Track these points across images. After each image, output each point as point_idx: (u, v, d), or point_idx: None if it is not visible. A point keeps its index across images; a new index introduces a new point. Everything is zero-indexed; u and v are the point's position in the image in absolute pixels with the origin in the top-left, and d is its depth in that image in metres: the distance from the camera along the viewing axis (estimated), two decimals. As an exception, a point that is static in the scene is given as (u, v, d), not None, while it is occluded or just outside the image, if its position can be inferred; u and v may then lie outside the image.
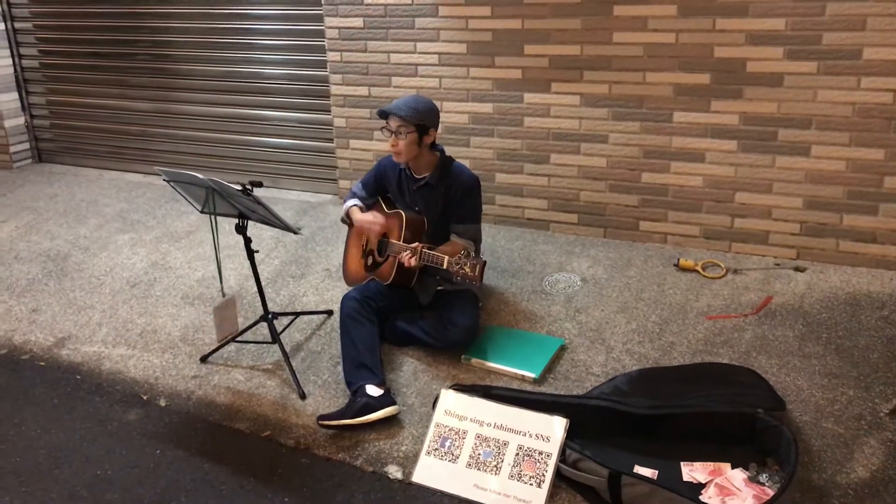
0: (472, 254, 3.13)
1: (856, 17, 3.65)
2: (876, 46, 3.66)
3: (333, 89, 5.02)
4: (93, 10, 5.94)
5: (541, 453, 2.73)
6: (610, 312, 3.70)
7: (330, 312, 3.85)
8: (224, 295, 3.88)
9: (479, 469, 2.77)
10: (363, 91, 4.91)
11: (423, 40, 4.61)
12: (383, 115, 3.42)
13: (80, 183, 6.02)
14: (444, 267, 3.16)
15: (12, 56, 6.35)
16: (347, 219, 3.72)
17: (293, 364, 3.41)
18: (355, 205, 3.69)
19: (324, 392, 3.31)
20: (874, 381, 3.09)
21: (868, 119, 3.77)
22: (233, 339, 3.57)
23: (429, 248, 3.27)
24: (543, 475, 2.68)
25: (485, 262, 3.09)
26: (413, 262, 3.27)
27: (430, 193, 3.52)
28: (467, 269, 3.07)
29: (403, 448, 2.95)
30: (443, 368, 3.37)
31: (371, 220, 3.54)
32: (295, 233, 3.34)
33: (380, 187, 3.71)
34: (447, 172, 3.52)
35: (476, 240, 3.55)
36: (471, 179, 3.54)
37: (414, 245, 3.29)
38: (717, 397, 2.91)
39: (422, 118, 3.37)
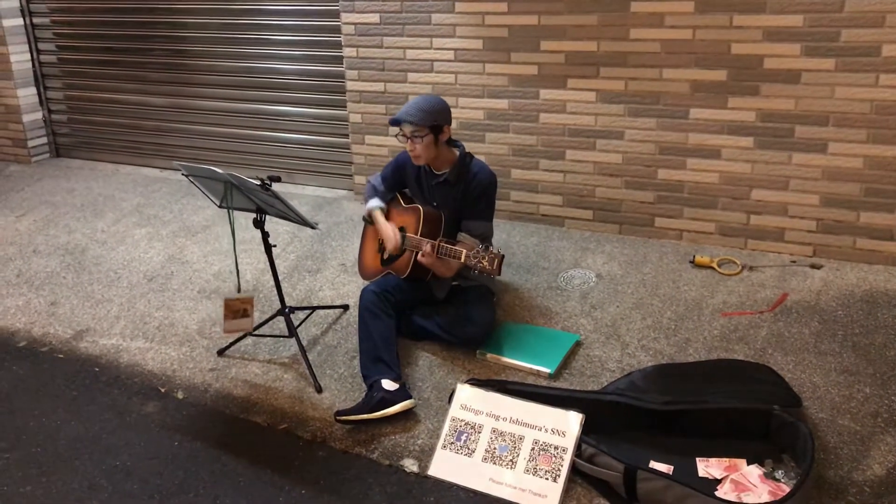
0: (490, 247, 3.14)
1: (875, 14, 3.64)
2: (895, 43, 3.64)
3: (349, 85, 5.04)
4: (110, 6, 5.98)
5: (556, 448, 2.74)
6: (625, 308, 3.70)
7: (346, 307, 3.87)
8: (239, 290, 3.91)
9: (494, 463, 2.78)
10: (379, 87, 4.93)
11: (439, 36, 4.62)
12: (395, 123, 3.42)
13: (97, 177, 6.06)
14: (462, 261, 3.17)
15: (30, 51, 6.40)
16: (369, 218, 3.73)
17: (309, 358, 3.43)
18: (379, 206, 3.69)
19: (340, 386, 3.33)
20: (891, 378, 3.08)
21: (886, 116, 3.75)
22: (243, 336, 3.60)
23: (447, 242, 3.28)
24: (559, 470, 2.69)
25: (503, 255, 3.10)
26: (428, 257, 3.28)
27: (449, 190, 3.52)
28: (485, 263, 3.09)
29: (419, 442, 2.97)
30: (458, 363, 3.39)
31: (391, 235, 3.51)
32: (312, 227, 3.35)
33: (398, 181, 3.72)
34: (466, 169, 3.52)
35: (486, 238, 3.53)
36: (489, 177, 3.54)
37: (434, 242, 3.30)
38: (733, 393, 2.91)
39: (434, 119, 3.36)
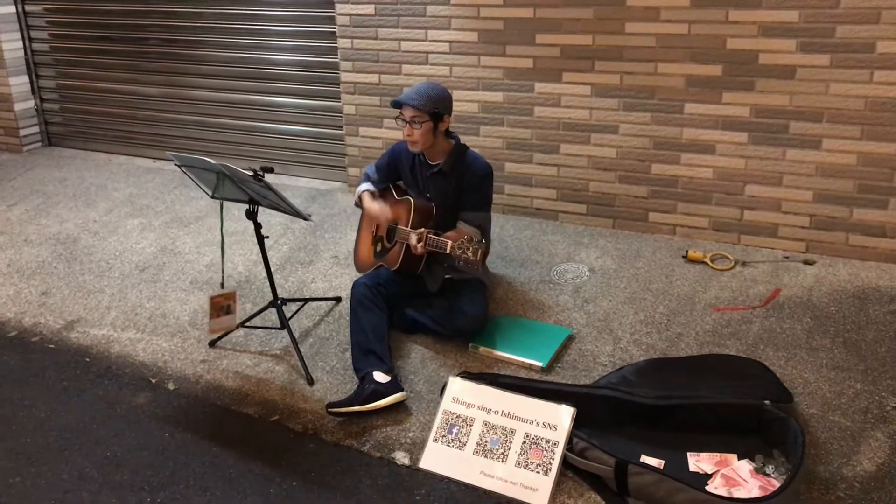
0: (477, 239, 3.13)
1: (870, 10, 3.64)
2: (890, 40, 3.64)
3: (343, 76, 5.01)
4: (104, -6, 5.95)
5: (548, 441, 2.74)
6: (618, 303, 3.70)
7: (338, 299, 3.86)
8: (223, 286, 3.88)
9: (486, 456, 2.78)
10: (373, 78, 4.91)
11: (434, 28, 4.60)
12: (397, 105, 3.41)
13: (89, 167, 6.03)
14: (448, 251, 3.17)
15: (23, 39, 6.35)
16: (360, 203, 3.74)
17: (301, 350, 3.42)
18: (368, 190, 3.70)
19: (331, 378, 3.32)
20: (881, 374, 3.09)
21: (880, 113, 3.75)
22: (227, 333, 3.59)
23: (435, 234, 3.27)
24: (550, 463, 2.69)
25: (487, 247, 3.09)
26: (419, 247, 3.28)
27: (444, 181, 3.52)
28: (469, 254, 3.07)
29: (411, 434, 2.97)
30: (450, 356, 3.39)
31: (378, 211, 3.57)
32: (305, 219, 3.34)
33: (393, 172, 3.71)
34: (461, 160, 3.51)
35: (484, 228, 3.54)
36: (484, 168, 3.53)
37: (420, 230, 3.30)
38: (725, 389, 2.92)
39: (436, 106, 3.36)
